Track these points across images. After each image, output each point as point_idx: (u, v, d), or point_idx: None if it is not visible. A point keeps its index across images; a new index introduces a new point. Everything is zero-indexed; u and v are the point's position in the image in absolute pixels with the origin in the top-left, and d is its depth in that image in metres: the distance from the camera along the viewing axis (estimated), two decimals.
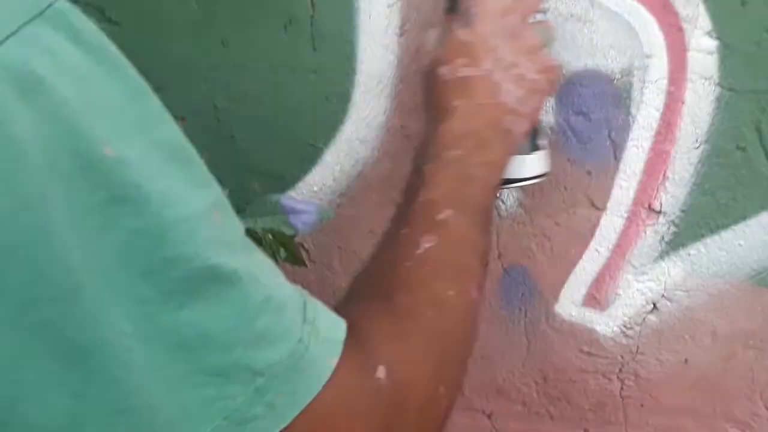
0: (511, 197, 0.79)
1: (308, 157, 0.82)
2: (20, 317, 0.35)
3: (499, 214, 0.80)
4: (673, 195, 0.76)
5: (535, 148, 0.69)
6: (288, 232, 0.84)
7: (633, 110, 0.74)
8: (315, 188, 0.83)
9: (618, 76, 0.73)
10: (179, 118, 0.82)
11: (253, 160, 0.83)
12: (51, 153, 0.34)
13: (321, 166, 0.82)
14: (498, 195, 0.64)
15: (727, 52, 0.70)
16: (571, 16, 0.71)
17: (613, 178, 0.77)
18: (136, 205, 0.36)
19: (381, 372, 0.47)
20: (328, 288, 0.86)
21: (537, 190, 0.79)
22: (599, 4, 0.71)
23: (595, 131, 0.75)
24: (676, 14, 0.70)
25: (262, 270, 0.43)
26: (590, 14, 0.71)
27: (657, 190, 0.76)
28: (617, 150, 0.75)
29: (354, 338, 0.46)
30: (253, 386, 0.40)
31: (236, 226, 0.43)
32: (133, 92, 0.38)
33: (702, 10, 0.69)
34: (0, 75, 0.33)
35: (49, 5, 0.36)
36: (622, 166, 0.76)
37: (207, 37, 0.78)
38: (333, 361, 0.44)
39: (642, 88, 0.73)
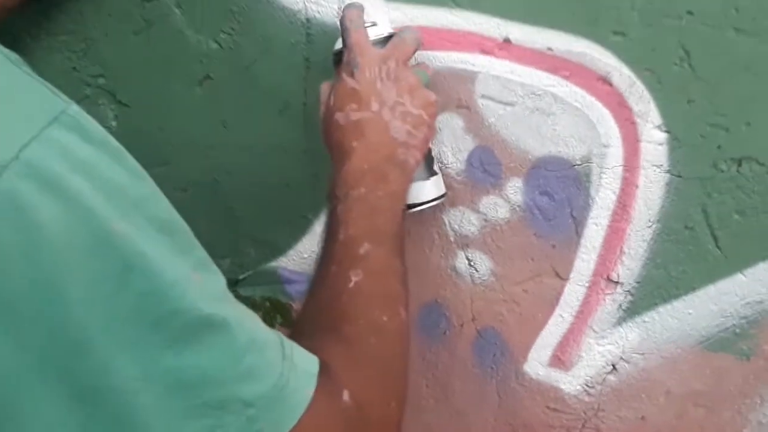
0: (483, 266, 0.86)
1: (299, 227, 0.87)
2: (41, 367, 0.41)
3: (473, 281, 0.86)
4: (629, 267, 0.82)
5: (430, 174, 0.74)
6: (284, 300, 0.89)
7: (592, 192, 0.80)
8: (305, 255, 0.88)
9: (578, 162, 0.79)
10: (182, 189, 0.88)
11: (249, 228, 0.88)
12: (69, 234, 0.41)
13: (310, 235, 0.87)
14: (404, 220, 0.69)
15: (675, 143, 0.77)
16: (537, 109, 0.78)
17: (575, 252, 0.82)
18: (142, 271, 0.43)
19: (346, 395, 0.52)
20: None
21: (508, 261, 0.85)
22: (561, 100, 0.77)
23: (558, 210, 0.81)
24: (630, 109, 0.76)
25: (244, 316, 0.49)
26: (553, 108, 0.78)
27: (615, 263, 0.82)
28: (579, 226, 0.81)
29: (320, 368, 0.52)
30: (245, 415, 0.46)
31: (218, 282, 0.49)
32: (132, 176, 0.45)
33: (653, 106, 0.76)
34: (26, 172, 0.40)
35: (62, 111, 0.43)
36: (583, 241, 0.82)
37: (209, 118, 0.83)
38: (310, 392, 0.50)
39: (600, 173, 0.79)
